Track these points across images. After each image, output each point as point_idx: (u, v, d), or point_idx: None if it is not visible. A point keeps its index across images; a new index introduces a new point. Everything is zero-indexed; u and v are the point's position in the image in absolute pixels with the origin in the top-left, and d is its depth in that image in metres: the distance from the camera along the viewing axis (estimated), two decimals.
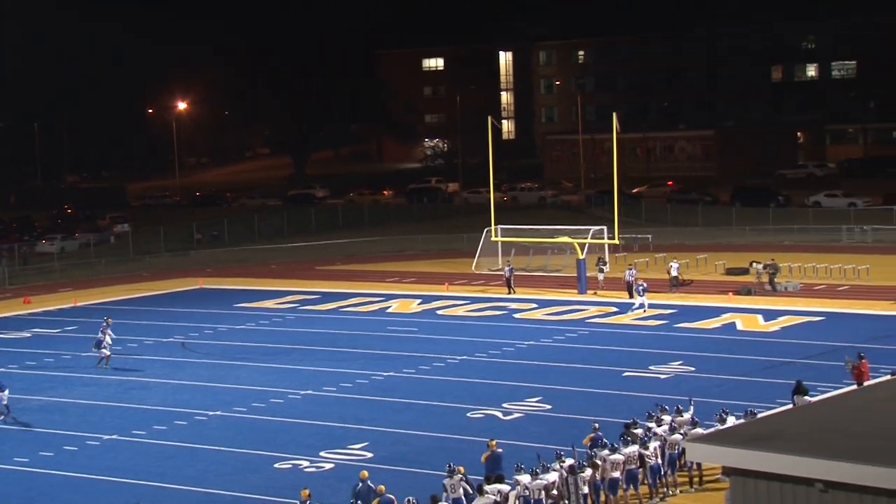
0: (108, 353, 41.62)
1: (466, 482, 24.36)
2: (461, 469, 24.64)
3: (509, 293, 53.05)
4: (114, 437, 32.97)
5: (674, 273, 51.89)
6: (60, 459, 31.13)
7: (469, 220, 77.78)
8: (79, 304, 56.27)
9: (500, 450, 26.61)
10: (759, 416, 25.39)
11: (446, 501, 23.99)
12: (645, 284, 48.64)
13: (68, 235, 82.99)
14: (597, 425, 27.54)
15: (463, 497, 24.08)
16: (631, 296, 50.34)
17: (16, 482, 29.41)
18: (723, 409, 28.46)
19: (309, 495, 24.27)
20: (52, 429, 34.15)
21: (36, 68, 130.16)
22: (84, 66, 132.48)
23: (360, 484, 24.66)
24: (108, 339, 42.14)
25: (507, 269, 54.53)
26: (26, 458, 31.30)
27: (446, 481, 24.36)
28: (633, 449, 25.97)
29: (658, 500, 26.35)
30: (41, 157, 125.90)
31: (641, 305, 47.75)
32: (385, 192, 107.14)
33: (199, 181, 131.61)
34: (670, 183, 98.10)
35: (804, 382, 31.50)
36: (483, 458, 26.33)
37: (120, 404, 36.75)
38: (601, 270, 53.67)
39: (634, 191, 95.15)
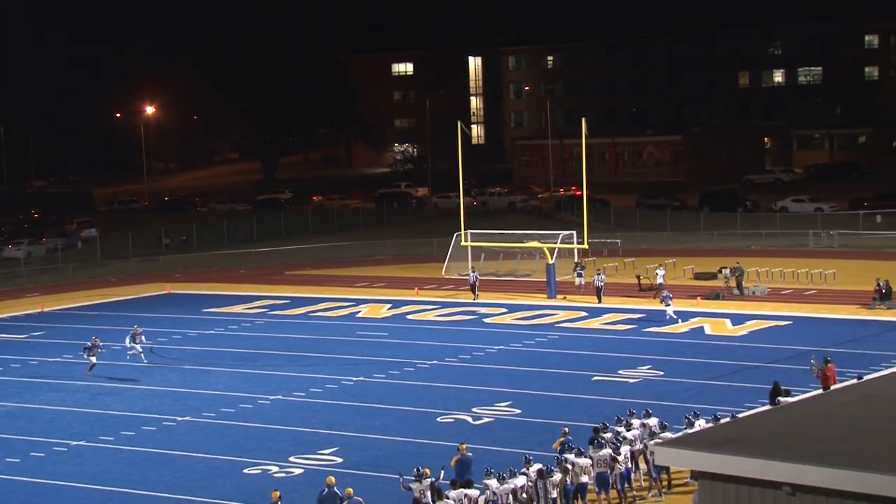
0: (94, 360, 41.07)
1: (434, 487, 24.34)
2: (427, 471, 24.67)
3: (474, 298, 53.06)
4: (81, 443, 32.78)
5: (659, 280, 51.81)
6: (27, 466, 30.92)
7: (438, 225, 77.84)
8: (46, 309, 55.93)
9: (469, 454, 26.63)
10: (723, 420, 25.51)
11: None
12: (670, 293, 47.44)
13: (35, 240, 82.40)
14: (566, 429, 27.61)
15: (431, 502, 24.09)
16: (600, 300, 50.49)
17: None
18: (693, 411, 28.63)
19: (279, 497, 24.22)
20: (18, 435, 33.90)
21: (2, 73, 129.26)
22: (52, 72, 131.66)
23: (326, 490, 24.59)
24: (139, 346, 42.03)
25: (472, 275, 54.48)
26: None
27: (415, 486, 24.37)
28: (603, 453, 26.03)
29: None
30: (8, 162, 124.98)
31: (672, 316, 46.13)
32: (335, 197, 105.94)
33: (168, 186, 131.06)
34: (573, 188, 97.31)
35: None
36: (452, 462, 26.35)
37: (88, 410, 36.53)
38: (579, 275, 53.76)
39: (540, 195, 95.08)
